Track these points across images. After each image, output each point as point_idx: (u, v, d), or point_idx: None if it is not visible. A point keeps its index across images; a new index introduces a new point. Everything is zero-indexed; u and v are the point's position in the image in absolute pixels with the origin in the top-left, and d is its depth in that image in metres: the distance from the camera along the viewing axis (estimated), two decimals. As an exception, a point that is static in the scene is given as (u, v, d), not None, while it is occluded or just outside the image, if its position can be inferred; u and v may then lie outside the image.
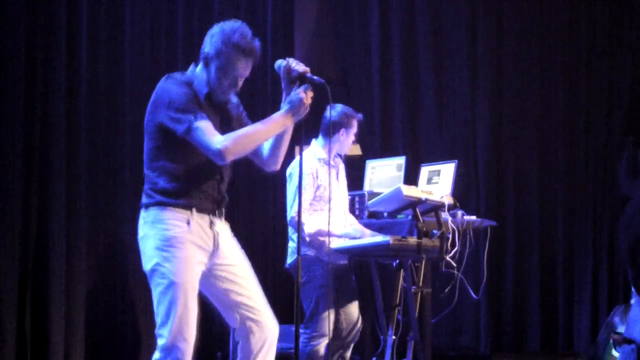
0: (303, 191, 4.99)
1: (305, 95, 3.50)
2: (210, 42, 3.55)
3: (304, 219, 4.99)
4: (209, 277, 3.59)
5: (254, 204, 6.62)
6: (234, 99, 3.76)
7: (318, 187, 5.12)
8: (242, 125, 3.67)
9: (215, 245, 3.58)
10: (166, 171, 3.53)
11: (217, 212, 3.62)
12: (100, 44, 6.00)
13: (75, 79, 5.80)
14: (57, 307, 5.55)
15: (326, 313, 5.05)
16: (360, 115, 5.31)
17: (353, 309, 5.26)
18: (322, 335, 5.06)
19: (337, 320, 5.16)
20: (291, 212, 5.03)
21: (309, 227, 5.03)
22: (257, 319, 3.61)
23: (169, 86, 3.52)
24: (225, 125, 3.62)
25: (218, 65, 3.53)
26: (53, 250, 5.57)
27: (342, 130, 5.23)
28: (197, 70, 3.61)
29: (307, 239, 5.04)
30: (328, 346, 5.09)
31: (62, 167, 5.65)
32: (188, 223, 3.51)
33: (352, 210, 5.71)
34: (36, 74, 5.64)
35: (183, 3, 6.44)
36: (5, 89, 5.50)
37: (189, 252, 3.49)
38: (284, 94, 3.59)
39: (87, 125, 5.86)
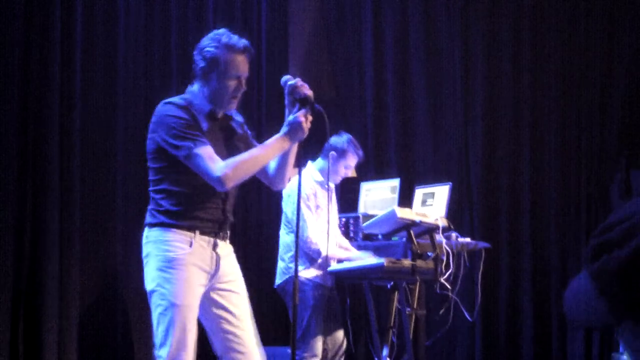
0: (310, 212, 5.05)
1: (304, 119, 3.54)
2: (202, 54, 3.59)
3: (320, 240, 5.00)
4: (204, 299, 3.59)
5: (246, 220, 6.60)
6: (238, 117, 3.80)
7: (317, 208, 5.15)
8: (247, 144, 3.69)
9: (216, 268, 3.58)
10: (170, 194, 3.54)
11: (220, 234, 3.62)
12: (95, 43, 5.99)
13: (71, 81, 5.80)
14: (51, 324, 5.53)
15: (317, 333, 5.06)
16: (361, 152, 5.34)
17: (339, 331, 5.28)
18: (313, 356, 5.07)
19: (323, 342, 5.17)
20: (306, 233, 5.03)
21: (325, 250, 5.04)
22: (243, 351, 3.59)
23: (167, 112, 3.53)
24: (229, 143, 3.63)
25: (217, 72, 3.56)
26: (47, 268, 5.55)
27: (342, 160, 5.26)
28: (195, 89, 3.63)
29: (319, 260, 5.06)
30: None
31: (55, 183, 5.64)
32: (190, 245, 3.51)
33: (346, 232, 5.72)
34: (31, 76, 5.64)
35: (176, 5, 6.44)
36: (0, 91, 5.50)
37: (190, 273, 3.49)
38: (286, 110, 3.61)
39: (81, 128, 5.84)
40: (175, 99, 3.59)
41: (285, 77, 3.59)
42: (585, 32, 6.80)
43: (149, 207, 3.62)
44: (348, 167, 5.30)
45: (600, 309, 1.30)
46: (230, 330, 3.59)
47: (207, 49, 3.57)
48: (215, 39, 3.60)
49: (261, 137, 3.80)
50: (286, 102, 3.61)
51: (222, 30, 3.64)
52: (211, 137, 3.55)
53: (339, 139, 5.28)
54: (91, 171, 5.92)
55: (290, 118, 3.55)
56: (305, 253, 5.12)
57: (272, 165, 3.70)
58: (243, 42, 3.60)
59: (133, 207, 5.80)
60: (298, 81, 3.58)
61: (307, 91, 3.57)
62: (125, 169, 6.03)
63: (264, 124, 6.56)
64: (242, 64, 3.59)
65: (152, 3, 6.31)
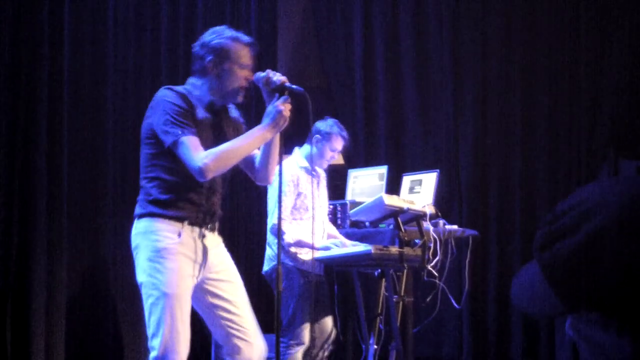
0: (284, 197, 5.03)
1: (283, 107, 3.53)
2: (209, 47, 3.59)
3: (284, 227, 5.00)
4: (199, 291, 3.60)
5: (235, 208, 6.60)
6: (235, 112, 3.79)
7: (299, 195, 5.13)
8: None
9: (206, 259, 3.58)
10: (160, 181, 3.55)
11: (209, 225, 3.62)
12: (84, 41, 5.97)
13: (59, 78, 5.78)
14: (38, 319, 5.53)
15: (303, 321, 5.06)
16: (345, 134, 5.32)
17: (327, 320, 5.28)
18: (300, 344, 5.08)
19: (311, 330, 5.17)
20: (272, 219, 5.04)
21: (288, 237, 5.03)
22: (245, 338, 3.61)
23: (164, 97, 3.54)
24: (221, 135, 3.63)
25: (228, 62, 3.58)
26: (34, 262, 5.55)
27: (327, 143, 5.25)
28: (196, 82, 3.63)
29: (286, 248, 5.05)
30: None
31: (44, 178, 5.63)
32: (179, 235, 3.51)
33: (334, 219, 5.72)
34: (20, 75, 5.63)
35: (166, 2, 6.42)
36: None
37: (180, 263, 3.50)
38: (267, 104, 3.61)
39: (69, 132, 5.83)
40: (176, 87, 3.61)
41: (256, 75, 3.60)
42: (577, 25, 6.80)
43: (139, 197, 3.64)
44: (334, 149, 5.29)
45: (551, 299, 1.26)
46: (229, 318, 3.60)
47: (215, 41, 3.59)
48: (220, 32, 3.63)
49: (250, 127, 3.78)
50: (265, 97, 3.61)
51: (222, 26, 3.66)
52: (204, 126, 3.57)
53: (324, 123, 5.27)
54: (80, 163, 5.91)
55: (269, 108, 3.55)
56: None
57: (258, 159, 3.70)
58: (247, 36, 3.66)
59: (123, 200, 5.79)
60: (269, 72, 3.59)
61: (281, 78, 3.57)
62: (115, 161, 6.02)
63: (254, 123, 6.55)
64: (247, 56, 3.64)
65: (142, 2, 6.29)
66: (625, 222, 1.21)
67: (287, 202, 5.06)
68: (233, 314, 3.61)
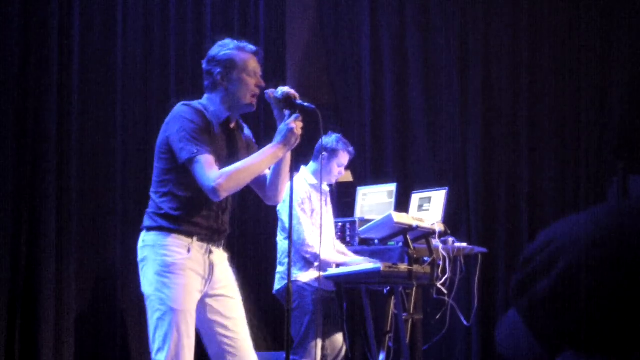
0: (305, 216, 5.05)
1: (295, 125, 3.54)
2: (216, 60, 3.61)
3: (317, 244, 5.01)
4: (200, 305, 3.61)
5: (244, 226, 6.60)
6: (248, 132, 3.81)
7: (312, 212, 5.15)
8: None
9: (212, 275, 3.60)
10: (173, 197, 3.56)
11: (216, 242, 3.64)
12: (94, 44, 5.99)
13: (69, 82, 5.80)
14: (47, 330, 5.54)
15: (315, 339, 5.06)
16: (351, 149, 5.35)
17: (338, 336, 5.28)
18: (311, 361, 5.08)
19: (322, 347, 5.17)
20: (302, 235, 5.03)
21: (325, 254, 5.03)
22: (238, 355, 3.62)
23: (182, 113, 3.55)
24: (235, 153, 3.65)
25: (237, 71, 3.59)
26: (43, 273, 5.56)
27: (334, 159, 5.27)
28: (211, 97, 3.65)
29: (316, 263, 5.06)
30: None
31: (52, 188, 5.65)
32: (189, 250, 3.53)
33: (343, 237, 5.72)
34: (29, 77, 5.65)
35: (175, 6, 6.42)
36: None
37: (188, 279, 3.51)
38: (278, 122, 3.62)
39: (78, 138, 5.85)
40: (193, 102, 3.62)
41: (267, 91, 3.61)
42: (583, 32, 6.79)
43: (148, 210, 3.64)
44: (341, 165, 5.31)
45: (534, 345, 1.23)
46: (226, 335, 3.61)
47: (222, 53, 3.61)
48: (226, 45, 3.65)
49: (261, 146, 3.80)
50: (275, 114, 3.62)
51: (227, 39, 3.69)
52: (218, 143, 3.58)
53: (328, 139, 5.29)
54: (89, 173, 5.92)
55: (281, 126, 3.56)
56: (303, 257, 5.12)
57: (268, 178, 3.71)
58: (252, 45, 3.68)
59: (131, 209, 5.80)
60: (280, 89, 3.60)
61: (293, 94, 3.58)
62: (124, 170, 6.03)
63: (262, 129, 6.57)
64: (255, 64, 3.65)
65: (150, 5, 6.31)
66: (597, 258, 1.18)
67: (310, 219, 5.09)
68: (230, 330, 3.62)
